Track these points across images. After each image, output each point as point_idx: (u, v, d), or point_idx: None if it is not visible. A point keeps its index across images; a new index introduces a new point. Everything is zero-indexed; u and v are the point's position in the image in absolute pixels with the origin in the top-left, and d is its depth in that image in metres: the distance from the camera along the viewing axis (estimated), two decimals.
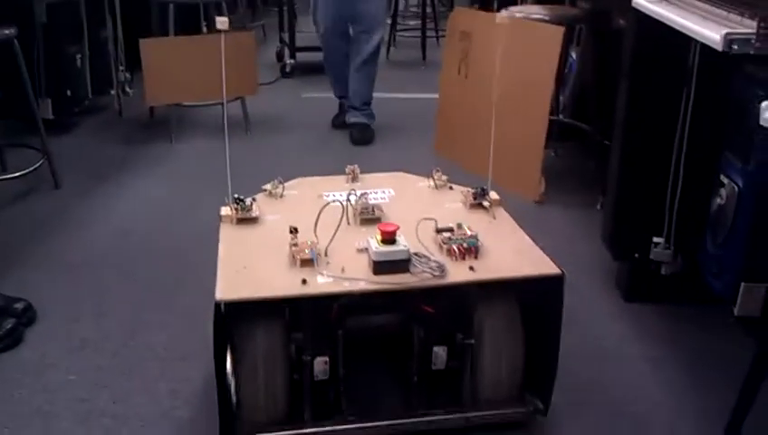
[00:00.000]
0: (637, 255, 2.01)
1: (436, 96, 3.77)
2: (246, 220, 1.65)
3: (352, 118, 3.38)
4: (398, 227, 1.45)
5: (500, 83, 2.14)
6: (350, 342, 1.47)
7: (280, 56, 4.93)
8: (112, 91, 3.58)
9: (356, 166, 1.92)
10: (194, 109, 3.46)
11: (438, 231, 1.54)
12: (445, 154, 2.83)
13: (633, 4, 1.81)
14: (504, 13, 2.95)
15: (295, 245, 1.45)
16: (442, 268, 1.43)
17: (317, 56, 5.38)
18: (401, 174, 1.94)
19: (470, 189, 1.74)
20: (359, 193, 1.68)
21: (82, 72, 3.48)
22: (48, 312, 1.97)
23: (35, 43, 3.23)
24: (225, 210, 1.66)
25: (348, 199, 1.62)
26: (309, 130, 2.74)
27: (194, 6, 4.05)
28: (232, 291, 1.38)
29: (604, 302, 2.11)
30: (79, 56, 3.45)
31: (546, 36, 2.67)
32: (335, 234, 1.51)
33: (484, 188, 1.74)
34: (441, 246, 1.50)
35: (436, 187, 1.86)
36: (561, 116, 2.99)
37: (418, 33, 5.32)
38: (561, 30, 2.63)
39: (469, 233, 1.53)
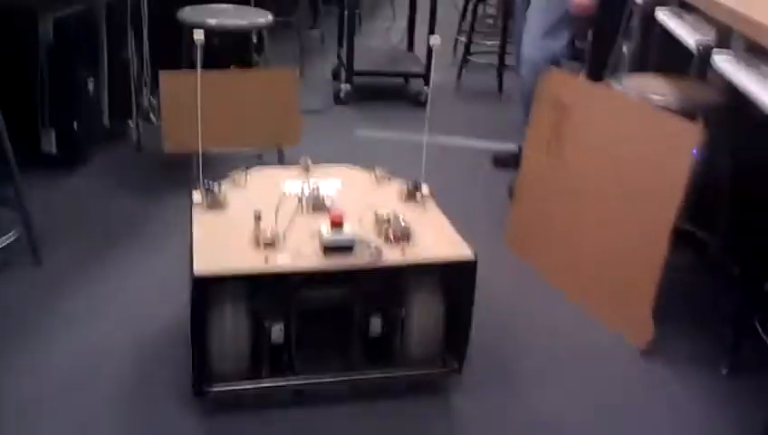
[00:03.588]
0: None
1: (511, 147, 3.41)
2: (215, 206, 2.10)
3: None
4: (345, 215, 1.92)
5: (606, 179, 2.22)
6: (301, 312, 1.97)
7: (336, 74, 4.91)
8: (131, 122, 3.57)
9: (308, 157, 2.34)
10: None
11: (378, 220, 2.03)
12: (520, 253, 2.65)
13: None
14: (615, 86, 2.66)
15: (259, 229, 1.94)
16: (380, 252, 1.91)
17: (377, 82, 4.88)
18: (346, 167, 2.39)
19: (406, 183, 2.24)
20: (311, 184, 2.19)
21: (96, 99, 3.40)
22: None
23: (38, 65, 3.04)
24: (196, 196, 2.13)
25: (302, 191, 2.16)
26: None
27: (232, 35, 3.28)
28: (207, 267, 1.81)
29: None
30: (92, 81, 3.32)
31: (677, 133, 2.28)
32: (291, 220, 2.02)
33: (417, 182, 2.21)
34: (380, 233, 2.00)
35: (377, 180, 2.32)
36: None
37: (495, 59, 4.96)
38: (698, 129, 2.25)
39: (403, 222, 2.00)
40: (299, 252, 1.92)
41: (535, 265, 2.64)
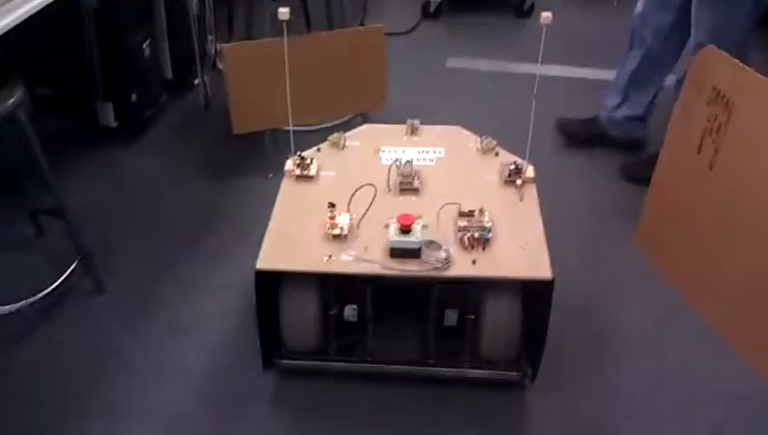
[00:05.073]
0: None
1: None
2: (304, 177, 2.07)
3: None
4: (415, 220, 1.81)
5: None
6: (378, 294, 1.91)
7: None
8: (196, 80, 3.14)
9: (417, 120, 2.23)
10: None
11: (461, 214, 1.92)
12: (651, 256, 2.22)
13: None
14: None
15: (332, 218, 1.89)
16: (448, 260, 1.80)
17: None
18: (457, 129, 2.26)
19: (510, 163, 2.05)
20: (404, 161, 2.06)
21: (154, 61, 3.04)
22: None
23: (86, 37, 2.74)
24: (289, 164, 2.09)
25: (394, 165, 2.06)
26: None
27: None
28: (270, 261, 1.80)
29: None
30: (147, 44, 2.93)
31: None
32: (367, 211, 1.89)
33: (520, 166, 2.05)
34: (456, 233, 1.87)
35: (483, 151, 2.18)
36: None
37: None
38: None
39: (485, 221, 1.88)
40: (365, 250, 1.83)
41: (670, 276, 2.21)
